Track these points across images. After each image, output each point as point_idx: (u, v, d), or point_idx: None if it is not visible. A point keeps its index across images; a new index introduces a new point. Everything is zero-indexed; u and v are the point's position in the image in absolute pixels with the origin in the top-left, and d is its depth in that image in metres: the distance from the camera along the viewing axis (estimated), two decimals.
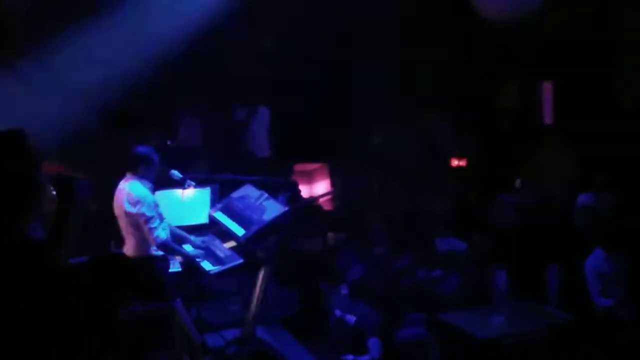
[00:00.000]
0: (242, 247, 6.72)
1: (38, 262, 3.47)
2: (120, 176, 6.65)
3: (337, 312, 7.16)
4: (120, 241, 6.73)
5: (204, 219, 7.28)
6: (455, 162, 11.00)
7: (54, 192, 3.72)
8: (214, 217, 7.04)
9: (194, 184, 7.05)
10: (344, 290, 7.41)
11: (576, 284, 7.46)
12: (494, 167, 10.78)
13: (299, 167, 11.27)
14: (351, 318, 7.01)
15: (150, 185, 6.56)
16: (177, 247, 6.69)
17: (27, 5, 9.31)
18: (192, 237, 6.96)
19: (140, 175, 6.51)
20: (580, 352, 6.33)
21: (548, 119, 11.52)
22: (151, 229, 6.36)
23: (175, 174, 6.94)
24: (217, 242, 6.97)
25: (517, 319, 6.92)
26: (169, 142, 9.60)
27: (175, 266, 7.00)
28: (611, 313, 6.91)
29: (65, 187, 3.70)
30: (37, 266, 3.46)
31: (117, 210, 6.57)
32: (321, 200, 10.55)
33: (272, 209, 6.62)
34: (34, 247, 3.53)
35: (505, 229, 8.96)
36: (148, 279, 6.57)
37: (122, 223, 6.56)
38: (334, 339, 7.14)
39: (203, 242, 6.94)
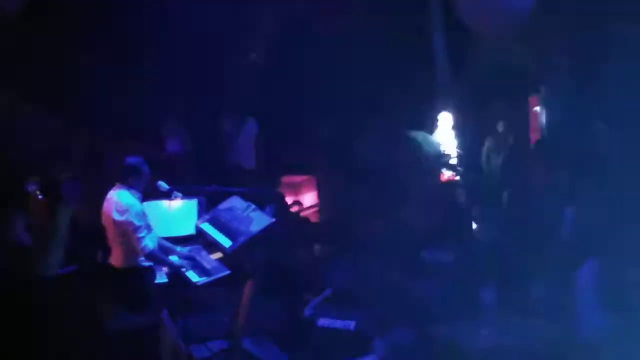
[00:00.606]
0: (229, 258, 6.71)
1: (25, 267, 3.47)
2: (110, 186, 6.66)
3: (323, 321, 7.07)
4: (108, 252, 6.71)
5: (190, 230, 7.27)
6: (444, 176, 11.02)
7: (41, 196, 3.73)
8: (200, 228, 7.03)
9: (180, 195, 7.05)
10: (318, 300, 7.36)
11: (564, 298, 7.46)
12: (480, 180, 10.82)
13: (286, 179, 11.28)
14: (349, 323, 6.92)
15: (139, 195, 6.56)
16: (164, 257, 6.69)
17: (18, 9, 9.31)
18: (177, 248, 6.95)
19: (129, 186, 6.52)
20: None
21: (535, 133, 11.59)
22: (139, 239, 6.36)
23: (163, 185, 6.93)
24: (204, 253, 6.97)
25: (506, 331, 6.92)
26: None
27: (161, 277, 6.98)
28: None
29: (53, 189, 3.71)
30: (25, 271, 3.46)
31: (105, 220, 6.55)
32: (308, 212, 10.57)
33: (259, 220, 6.62)
34: (21, 252, 3.53)
35: (491, 242, 8.98)
36: (134, 290, 6.56)
37: (110, 233, 6.55)
38: (321, 348, 7.05)
39: (189, 251, 6.93)
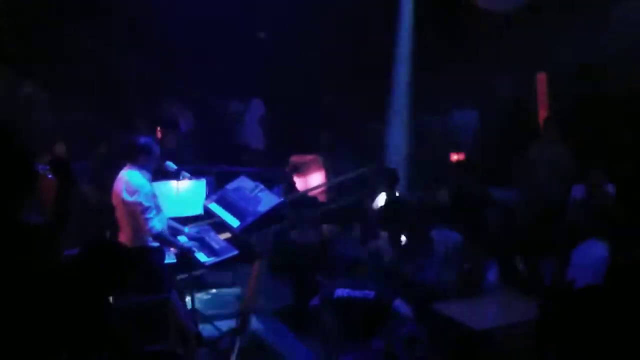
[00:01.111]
0: (237, 238, 6.72)
1: (35, 246, 3.47)
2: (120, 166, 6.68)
3: (342, 292, 6.95)
4: (116, 231, 6.74)
5: (199, 211, 7.28)
6: (454, 157, 10.99)
7: (50, 176, 3.72)
8: (209, 208, 7.03)
9: (189, 175, 7.05)
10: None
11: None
12: (491, 160, 10.78)
13: (293, 158, 11.28)
14: (368, 293, 6.86)
15: (149, 175, 6.57)
16: (172, 238, 6.70)
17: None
18: (186, 229, 6.96)
19: (140, 165, 6.53)
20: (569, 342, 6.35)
21: (543, 110, 11.52)
22: (147, 219, 6.37)
23: (171, 165, 6.94)
24: (212, 233, 6.97)
25: (510, 310, 6.92)
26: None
27: (170, 257, 7.01)
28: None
29: (63, 168, 3.71)
30: (35, 251, 3.46)
31: (115, 200, 6.57)
32: (316, 192, 10.56)
33: (267, 200, 6.62)
34: (31, 231, 3.53)
35: (496, 225, 8.95)
36: (143, 270, 6.58)
37: (119, 212, 6.57)
38: (342, 318, 6.93)
39: (198, 232, 6.94)
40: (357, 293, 6.66)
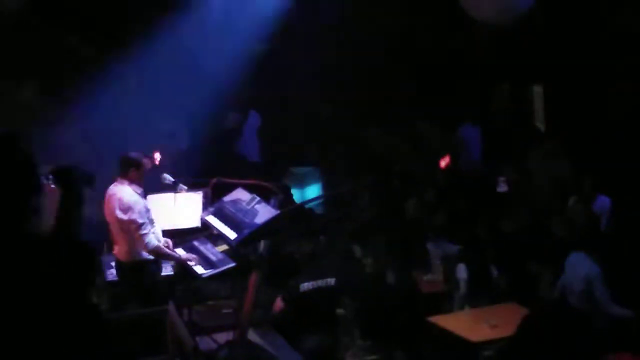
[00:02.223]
0: (234, 250, 6.74)
1: (38, 257, 3.48)
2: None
3: (305, 285, 7.10)
4: (112, 244, 6.77)
5: (196, 223, 7.29)
6: (443, 163, 11.01)
7: (53, 186, 3.73)
8: (206, 220, 7.04)
9: (185, 187, 7.07)
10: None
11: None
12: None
13: (290, 170, 11.32)
14: (329, 280, 7.04)
15: (140, 190, 6.58)
16: (168, 251, 6.71)
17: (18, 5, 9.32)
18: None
19: (130, 180, 6.53)
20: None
21: (539, 122, 11.56)
22: (142, 235, 6.39)
23: (167, 177, 6.95)
24: (209, 245, 6.99)
25: (508, 321, 6.92)
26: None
27: (167, 270, 7.02)
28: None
29: (66, 178, 3.72)
30: (37, 262, 3.46)
31: (109, 216, 6.58)
32: (313, 204, 10.57)
33: (264, 212, 6.62)
34: (37, 244, 3.53)
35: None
36: (140, 283, 6.60)
37: (114, 228, 6.59)
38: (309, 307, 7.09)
39: (191, 247, 6.98)
40: (320, 283, 6.86)
